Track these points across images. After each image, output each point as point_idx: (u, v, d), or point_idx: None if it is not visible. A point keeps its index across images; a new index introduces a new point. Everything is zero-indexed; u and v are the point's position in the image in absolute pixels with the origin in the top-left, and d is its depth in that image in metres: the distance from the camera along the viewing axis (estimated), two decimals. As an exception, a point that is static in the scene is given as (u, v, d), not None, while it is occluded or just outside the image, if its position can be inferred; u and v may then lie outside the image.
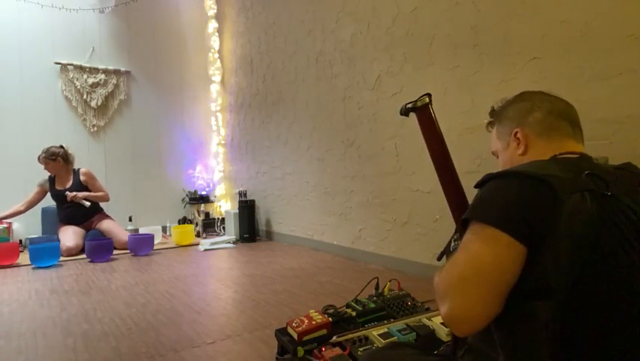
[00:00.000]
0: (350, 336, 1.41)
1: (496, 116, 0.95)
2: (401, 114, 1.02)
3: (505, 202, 0.68)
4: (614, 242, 0.65)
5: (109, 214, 4.15)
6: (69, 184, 3.93)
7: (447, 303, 0.67)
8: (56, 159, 3.86)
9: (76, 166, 4.04)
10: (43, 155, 3.84)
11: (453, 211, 0.95)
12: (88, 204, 3.90)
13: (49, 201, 4.02)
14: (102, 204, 4.11)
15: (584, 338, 0.64)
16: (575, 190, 0.66)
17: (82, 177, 3.97)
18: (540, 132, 0.84)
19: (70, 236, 3.71)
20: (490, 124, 0.98)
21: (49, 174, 3.94)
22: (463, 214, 0.74)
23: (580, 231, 0.63)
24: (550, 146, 0.81)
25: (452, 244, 0.83)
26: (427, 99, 0.99)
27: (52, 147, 3.88)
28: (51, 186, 3.94)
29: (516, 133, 0.86)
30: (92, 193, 3.96)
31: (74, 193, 3.83)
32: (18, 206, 3.88)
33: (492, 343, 0.70)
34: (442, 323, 1.46)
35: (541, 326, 0.63)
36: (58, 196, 3.89)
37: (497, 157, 0.96)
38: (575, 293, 0.63)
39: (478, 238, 0.68)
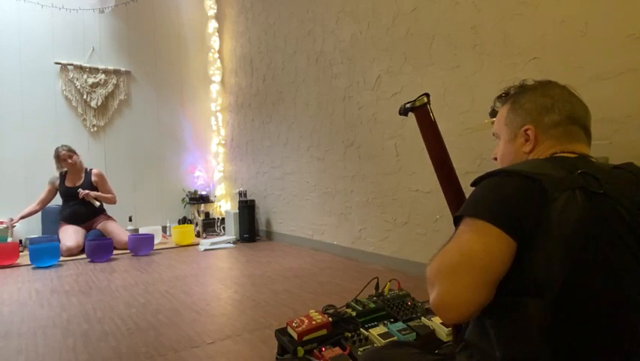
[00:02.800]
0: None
1: (512, 98, 0.88)
2: (400, 114, 1.03)
3: (497, 199, 0.69)
4: (604, 239, 0.66)
5: (110, 214, 4.15)
6: (80, 182, 3.96)
7: (436, 289, 0.68)
8: (76, 153, 3.96)
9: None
10: (66, 148, 3.92)
11: (452, 210, 0.95)
12: (98, 203, 3.96)
13: (50, 201, 4.03)
14: (104, 205, 4.12)
15: (576, 334, 0.64)
16: (566, 188, 0.67)
17: (93, 178, 4.03)
18: (552, 134, 0.82)
19: (70, 235, 3.71)
20: (500, 100, 0.92)
21: (57, 172, 3.97)
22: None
23: (570, 228, 0.64)
24: (556, 147, 0.81)
25: None
26: (425, 99, 0.99)
27: (63, 145, 3.97)
28: (61, 182, 3.96)
29: (527, 130, 0.83)
30: (102, 194, 4.01)
31: (87, 191, 3.87)
32: (34, 205, 3.93)
33: (488, 339, 0.70)
34: (442, 323, 1.46)
35: (534, 322, 0.64)
36: (67, 193, 3.92)
37: (497, 139, 0.93)
38: (566, 290, 0.63)
39: (469, 230, 0.69)
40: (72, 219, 3.89)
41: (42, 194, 3.96)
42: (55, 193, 4.00)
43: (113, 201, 4.09)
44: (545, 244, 0.64)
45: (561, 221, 0.64)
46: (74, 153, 3.96)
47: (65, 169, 3.96)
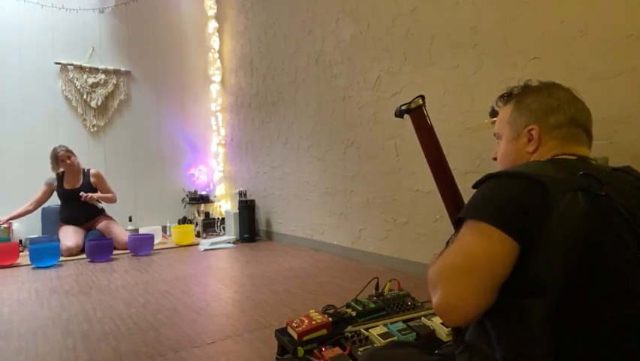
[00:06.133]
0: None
1: (516, 97, 0.88)
2: (396, 116, 1.03)
3: (499, 201, 0.69)
4: (606, 241, 0.66)
5: (109, 214, 4.16)
6: (79, 184, 3.95)
7: (438, 292, 0.68)
8: (74, 154, 3.94)
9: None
10: (64, 149, 3.88)
11: (449, 211, 0.95)
12: (102, 205, 3.99)
13: (50, 201, 4.02)
14: (103, 205, 4.13)
15: (578, 335, 0.64)
16: (568, 190, 0.67)
17: (92, 179, 4.02)
18: (555, 135, 0.82)
19: (70, 236, 3.71)
20: (503, 100, 0.91)
21: (55, 172, 3.95)
22: (458, 214, 0.75)
23: (572, 230, 0.64)
24: (558, 149, 0.81)
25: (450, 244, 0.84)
26: (421, 101, 0.99)
27: (60, 145, 3.94)
28: (59, 184, 3.94)
29: (531, 130, 0.83)
30: (103, 194, 4.01)
31: (90, 195, 3.86)
32: (27, 205, 3.89)
33: (489, 340, 0.70)
34: (442, 323, 1.46)
35: (535, 323, 0.64)
36: (67, 195, 3.90)
37: (498, 139, 0.92)
38: (568, 291, 0.63)
39: (471, 232, 0.69)
40: (72, 221, 3.89)
41: (37, 194, 3.92)
42: (51, 194, 3.96)
43: (113, 201, 4.08)
44: (547, 245, 0.64)
45: (563, 222, 0.64)
46: (72, 153, 3.93)
47: (62, 170, 3.93)
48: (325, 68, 3.48)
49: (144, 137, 4.96)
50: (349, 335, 1.42)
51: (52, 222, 4.04)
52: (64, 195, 3.92)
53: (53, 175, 3.97)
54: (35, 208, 3.94)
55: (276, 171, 4.26)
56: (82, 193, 3.83)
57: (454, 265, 0.68)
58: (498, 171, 0.76)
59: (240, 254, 3.66)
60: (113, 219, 4.11)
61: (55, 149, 3.89)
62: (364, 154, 3.12)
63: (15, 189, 4.15)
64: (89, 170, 4.05)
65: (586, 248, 0.64)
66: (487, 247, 0.66)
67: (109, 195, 4.05)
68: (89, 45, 4.64)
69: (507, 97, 0.91)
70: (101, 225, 3.98)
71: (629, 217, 0.68)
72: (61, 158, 3.85)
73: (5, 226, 3.74)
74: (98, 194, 3.96)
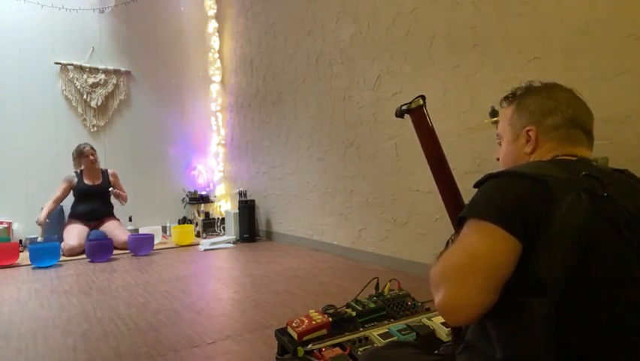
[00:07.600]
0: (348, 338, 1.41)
1: (518, 98, 0.89)
2: (396, 116, 1.03)
3: (502, 200, 0.69)
4: (609, 241, 0.66)
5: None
6: (99, 181, 4.05)
7: (441, 291, 0.68)
8: (96, 153, 4.09)
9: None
10: (90, 146, 4.03)
11: (449, 211, 0.95)
12: (124, 202, 4.13)
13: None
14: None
15: (578, 333, 0.64)
16: (571, 190, 0.67)
17: (111, 178, 4.13)
18: (553, 136, 0.82)
19: (75, 235, 3.74)
20: (507, 101, 0.92)
21: (73, 170, 4.02)
22: (459, 213, 0.75)
23: (575, 229, 0.64)
24: (557, 150, 0.81)
25: (450, 244, 0.83)
26: (421, 101, 0.99)
27: (85, 142, 4.09)
28: (79, 180, 3.99)
29: (529, 130, 0.84)
30: (123, 193, 4.14)
31: (117, 191, 4.04)
32: (49, 204, 3.89)
33: (489, 340, 0.70)
34: (442, 323, 1.46)
35: (536, 322, 0.64)
36: (88, 191, 3.97)
37: (499, 140, 0.93)
38: (569, 290, 0.63)
39: (474, 231, 0.69)
40: (85, 217, 3.93)
41: (57, 192, 3.93)
42: (70, 191, 4.01)
43: (126, 200, 4.20)
44: (550, 244, 0.64)
45: (565, 222, 0.64)
46: (95, 151, 4.06)
47: (82, 167, 4.01)
48: (325, 68, 3.48)
49: (144, 137, 4.96)
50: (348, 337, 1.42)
51: (51, 223, 4.03)
52: (84, 190, 3.98)
53: (72, 173, 4.02)
54: (56, 206, 3.98)
55: (276, 171, 4.26)
56: (111, 189, 4.00)
57: (458, 265, 0.68)
58: (499, 170, 0.76)
59: (240, 254, 3.66)
60: (118, 219, 4.15)
61: (79, 145, 4.02)
62: (364, 154, 3.12)
63: (15, 189, 4.15)
64: (106, 169, 4.17)
65: (588, 248, 0.64)
66: (490, 247, 0.66)
67: (124, 194, 4.17)
68: (89, 45, 4.64)
69: (511, 98, 0.91)
70: (106, 225, 4.00)
71: (631, 218, 0.68)
72: (85, 154, 3.95)
73: (5, 226, 3.75)
74: (122, 192, 4.10)
